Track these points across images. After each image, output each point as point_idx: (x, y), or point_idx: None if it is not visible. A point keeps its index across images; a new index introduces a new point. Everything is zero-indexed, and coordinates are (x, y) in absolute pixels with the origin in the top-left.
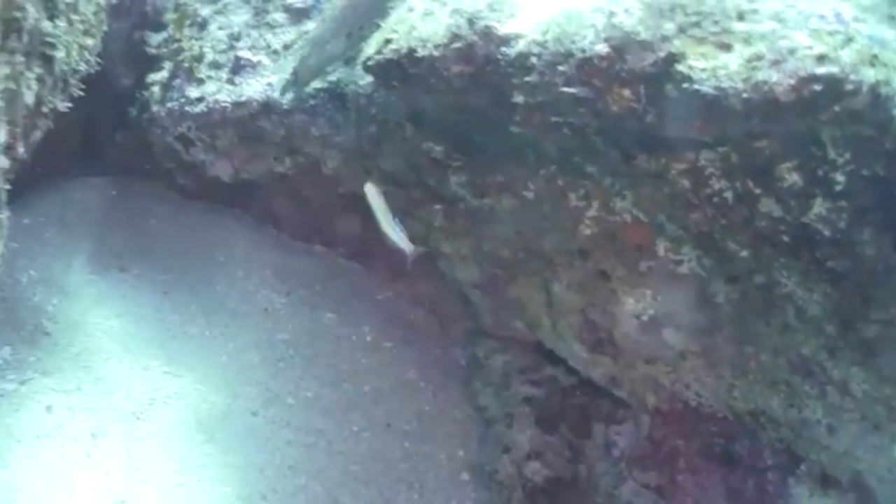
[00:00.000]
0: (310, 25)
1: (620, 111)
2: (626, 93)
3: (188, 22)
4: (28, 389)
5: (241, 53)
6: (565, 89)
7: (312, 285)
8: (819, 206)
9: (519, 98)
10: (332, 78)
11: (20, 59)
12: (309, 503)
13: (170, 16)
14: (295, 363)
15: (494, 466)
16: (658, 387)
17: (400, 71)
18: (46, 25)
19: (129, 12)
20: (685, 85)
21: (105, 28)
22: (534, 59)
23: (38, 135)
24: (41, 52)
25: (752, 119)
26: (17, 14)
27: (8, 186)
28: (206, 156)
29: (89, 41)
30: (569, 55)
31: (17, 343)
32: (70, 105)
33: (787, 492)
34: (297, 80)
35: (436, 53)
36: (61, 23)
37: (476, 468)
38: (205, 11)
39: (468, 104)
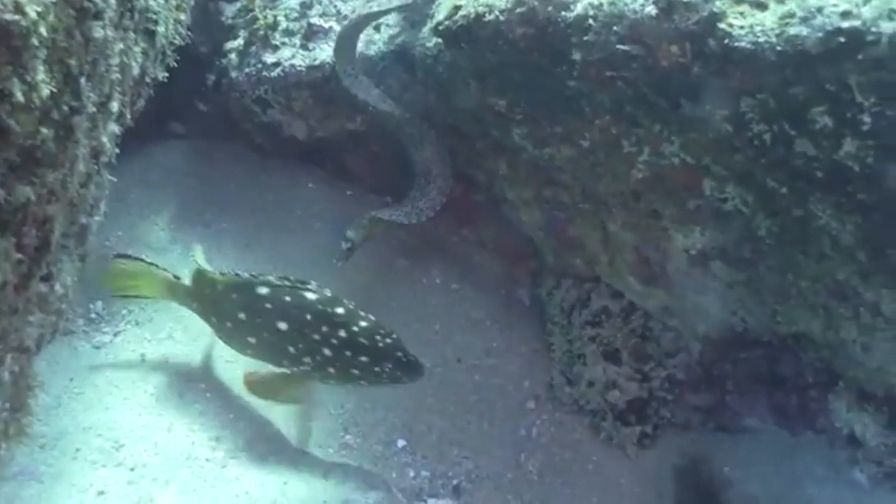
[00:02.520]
0: None
1: (669, 66)
2: (674, 49)
3: None
4: (122, 340)
5: (312, 20)
6: (620, 47)
7: (385, 234)
8: (849, 145)
9: (577, 55)
10: (399, 41)
11: (131, 35)
12: (388, 433)
13: None
14: (372, 306)
15: (585, 398)
16: (707, 315)
17: (468, 34)
18: (151, 4)
19: None
20: (726, 41)
21: (192, 2)
22: (590, 21)
23: (141, 103)
24: (145, 27)
25: (786, 70)
26: None
27: (117, 150)
28: (282, 116)
29: (182, 16)
30: (622, 16)
31: (109, 298)
32: (167, 74)
33: (828, 407)
34: (352, 248)
35: (501, 18)
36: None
37: (541, 397)
38: None
39: (530, 62)
